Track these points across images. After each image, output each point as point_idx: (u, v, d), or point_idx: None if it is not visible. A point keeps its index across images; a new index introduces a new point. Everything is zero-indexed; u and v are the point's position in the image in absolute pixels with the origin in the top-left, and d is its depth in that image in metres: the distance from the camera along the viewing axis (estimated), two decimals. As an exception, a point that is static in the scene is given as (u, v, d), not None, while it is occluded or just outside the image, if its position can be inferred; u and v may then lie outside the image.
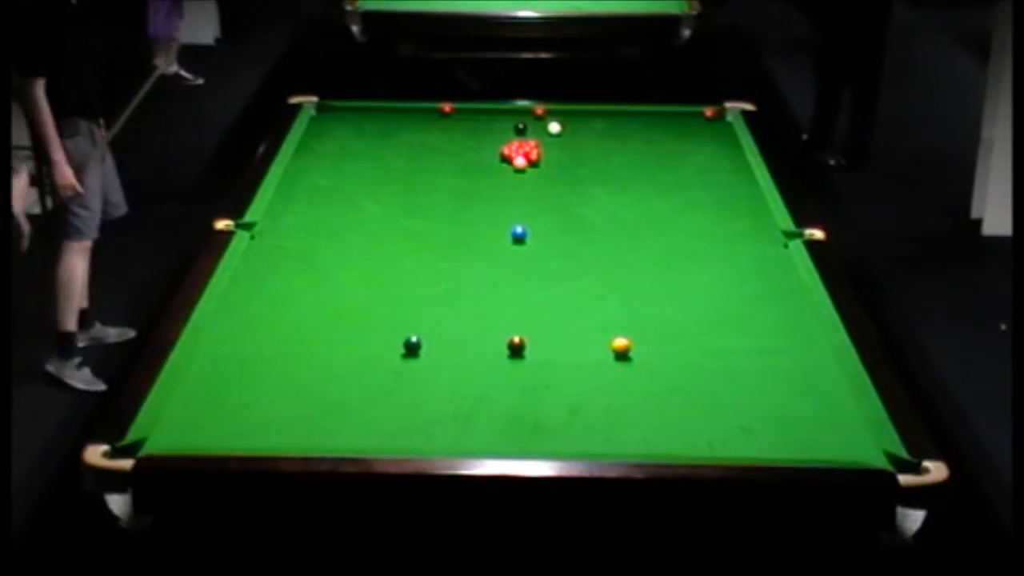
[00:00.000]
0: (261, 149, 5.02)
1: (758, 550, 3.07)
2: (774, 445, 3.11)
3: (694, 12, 7.08)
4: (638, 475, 2.99)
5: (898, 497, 2.93)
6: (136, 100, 4.94)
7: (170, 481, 3.01)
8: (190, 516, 3.05)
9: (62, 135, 4.78)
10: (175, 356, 3.44)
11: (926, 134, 8.06)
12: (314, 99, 5.53)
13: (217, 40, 9.81)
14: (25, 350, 4.71)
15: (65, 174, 4.77)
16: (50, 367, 5.03)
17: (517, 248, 4.24)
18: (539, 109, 5.50)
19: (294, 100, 5.52)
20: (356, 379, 3.39)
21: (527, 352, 3.49)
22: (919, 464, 2.99)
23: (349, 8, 7.11)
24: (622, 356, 3.50)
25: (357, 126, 5.38)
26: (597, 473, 2.99)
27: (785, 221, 4.39)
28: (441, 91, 6.18)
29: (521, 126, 5.27)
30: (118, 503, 2.96)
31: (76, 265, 4.96)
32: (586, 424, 3.20)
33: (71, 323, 5.03)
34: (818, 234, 4.25)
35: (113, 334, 5.34)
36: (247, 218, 4.36)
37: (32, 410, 4.71)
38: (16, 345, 4.21)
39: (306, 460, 2.99)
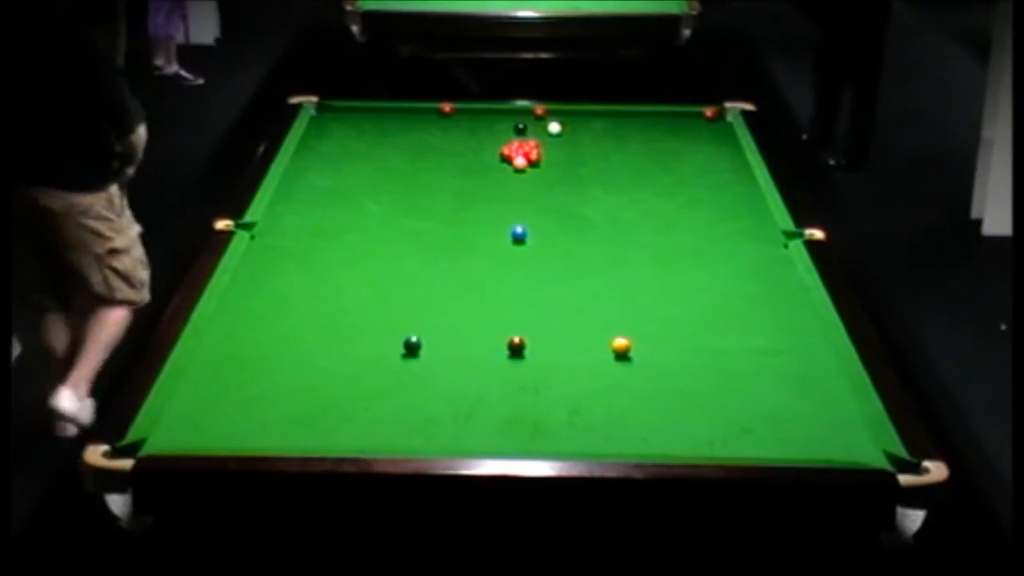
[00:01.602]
0: (261, 149, 5.01)
1: (758, 550, 3.07)
2: (774, 445, 3.11)
3: (694, 12, 7.08)
4: (638, 475, 2.99)
5: (898, 497, 2.93)
6: None
7: (170, 481, 3.01)
8: (190, 516, 3.06)
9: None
10: (175, 356, 3.44)
11: (926, 134, 8.06)
12: (314, 99, 5.52)
13: (217, 40, 9.81)
14: (25, 350, 4.71)
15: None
16: None
17: (517, 248, 4.24)
18: (539, 109, 5.50)
19: (294, 100, 5.52)
20: (356, 379, 3.39)
21: (527, 352, 3.49)
22: (919, 464, 2.99)
23: (349, 8, 7.10)
24: (622, 356, 3.49)
25: (357, 126, 5.37)
26: (597, 473, 2.99)
27: (785, 221, 4.39)
28: (441, 91, 6.18)
29: (521, 126, 5.27)
30: (118, 503, 2.96)
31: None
32: (586, 424, 3.20)
33: None
34: (818, 234, 4.25)
35: None
36: (247, 218, 4.36)
37: (32, 410, 4.71)
38: (16, 345, 4.22)
39: (306, 460, 2.99)
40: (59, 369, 4.62)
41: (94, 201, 4.45)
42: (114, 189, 4.53)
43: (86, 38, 4.44)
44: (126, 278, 4.58)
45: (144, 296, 4.65)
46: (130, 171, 4.60)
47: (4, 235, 4.41)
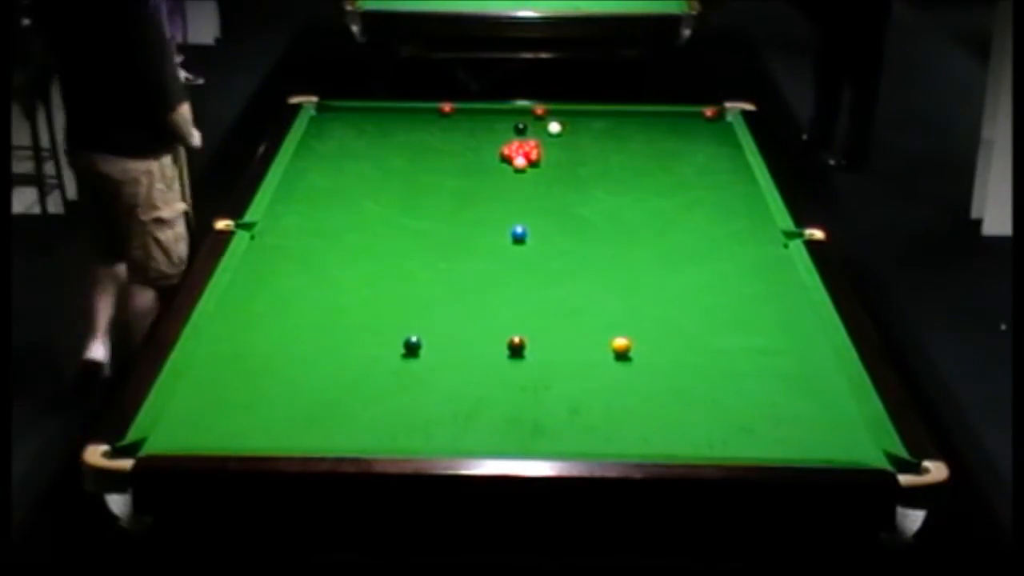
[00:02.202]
0: (261, 149, 5.01)
1: (758, 550, 3.07)
2: (774, 445, 3.11)
3: (694, 12, 7.08)
4: (638, 475, 2.99)
5: (898, 497, 2.93)
6: None
7: (170, 481, 3.01)
8: (190, 516, 3.06)
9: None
10: (175, 356, 3.44)
11: (926, 134, 8.07)
12: (314, 99, 5.52)
13: (217, 40, 9.81)
14: (25, 350, 4.71)
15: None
16: None
17: (517, 248, 4.24)
18: (539, 109, 5.50)
19: (294, 100, 5.52)
20: (356, 379, 3.39)
21: (527, 352, 3.49)
22: (919, 464, 2.99)
23: (349, 8, 7.10)
24: (622, 356, 3.49)
25: (357, 126, 5.37)
26: (597, 473, 2.99)
27: (785, 221, 4.39)
28: (441, 91, 6.18)
29: (521, 126, 5.27)
30: (118, 503, 2.96)
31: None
32: (586, 424, 3.20)
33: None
34: (818, 234, 4.25)
35: None
36: (247, 218, 4.36)
37: (32, 410, 4.71)
38: (16, 345, 4.22)
39: (306, 460, 2.99)
40: (95, 331, 4.97)
41: (148, 168, 4.70)
42: (167, 160, 4.79)
43: (137, 16, 4.62)
44: (165, 250, 4.80)
45: (179, 275, 4.78)
46: (193, 141, 4.80)
47: (4, 233, 4.41)
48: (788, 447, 3.10)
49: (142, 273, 4.83)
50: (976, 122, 6.81)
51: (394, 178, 4.86)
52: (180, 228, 4.86)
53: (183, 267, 4.80)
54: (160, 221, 4.77)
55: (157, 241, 4.78)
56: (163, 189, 4.76)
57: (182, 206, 4.88)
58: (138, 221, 4.75)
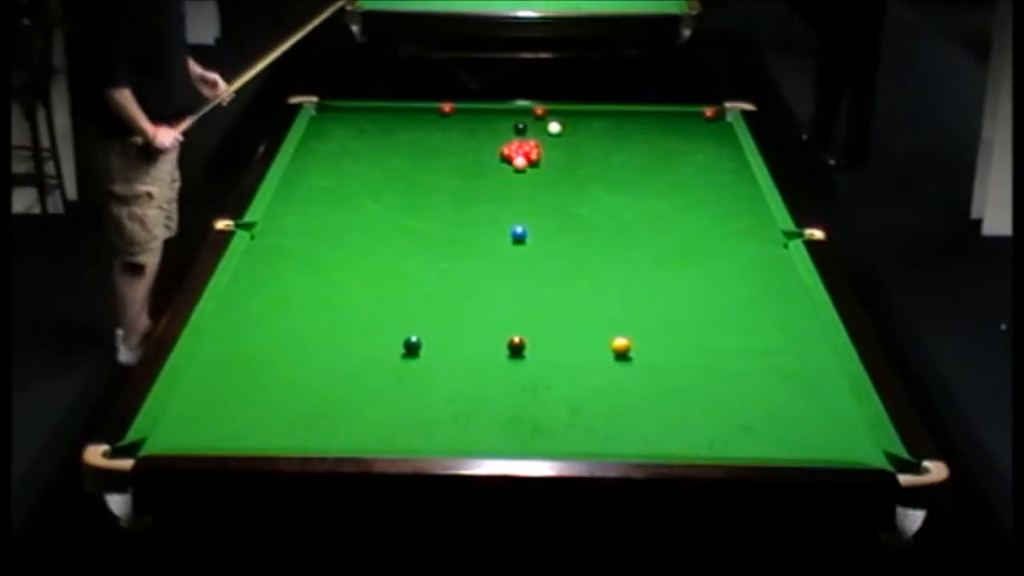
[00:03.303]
0: (261, 149, 5.02)
1: (758, 550, 3.07)
2: (774, 445, 3.11)
3: (694, 12, 7.08)
4: (638, 475, 2.99)
5: (898, 497, 2.93)
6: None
7: (170, 481, 3.01)
8: (190, 516, 3.06)
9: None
10: (175, 356, 3.44)
11: (926, 134, 8.06)
12: (314, 99, 5.53)
13: (217, 40, 9.80)
14: (25, 350, 4.71)
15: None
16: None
17: (517, 248, 4.24)
18: (539, 109, 5.50)
19: (294, 100, 5.53)
20: (356, 379, 3.39)
21: (527, 352, 3.49)
22: (919, 464, 2.99)
23: (349, 8, 7.10)
24: (622, 356, 3.49)
25: (357, 126, 5.38)
26: (597, 473, 2.99)
27: (785, 221, 4.39)
28: (441, 91, 6.18)
29: (521, 126, 5.27)
30: (118, 503, 2.96)
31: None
32: (586, 424, 3.20)
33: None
34: (818, 234, 4.25)
35: None
36: (247, 218, 4.36)
37: (32, 410, 4.71)
38: (16, 345, 4.21)
39: (306, 460, 2.99)
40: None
41: (106, 140, 4.76)
42: (127, 139, 4.75)
43: None
44: (116, 224, 4.87)
45: (134, 253, 4.91)
46: (145, 132, 4.73)
47: (4, 233, 4.41)
48: (788, 447, 3.10)
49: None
50: (976, 122, 6.80)
51: (394, 178, 4.86)
52: (138, 209, 4.85)
53: (136, 248, 4.89)
54: (111, 195, 4.83)
55: (110, 214, 4.86)
56: (120, 165, 4.78)
57: (143, 189, 4.84)
58: (99, 189, 4.87)
